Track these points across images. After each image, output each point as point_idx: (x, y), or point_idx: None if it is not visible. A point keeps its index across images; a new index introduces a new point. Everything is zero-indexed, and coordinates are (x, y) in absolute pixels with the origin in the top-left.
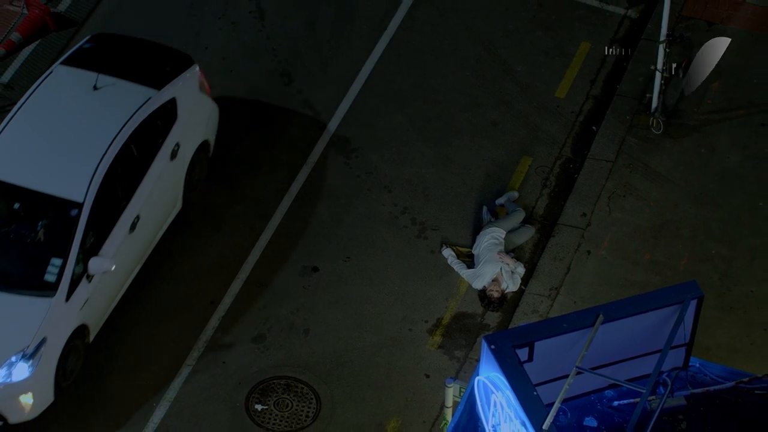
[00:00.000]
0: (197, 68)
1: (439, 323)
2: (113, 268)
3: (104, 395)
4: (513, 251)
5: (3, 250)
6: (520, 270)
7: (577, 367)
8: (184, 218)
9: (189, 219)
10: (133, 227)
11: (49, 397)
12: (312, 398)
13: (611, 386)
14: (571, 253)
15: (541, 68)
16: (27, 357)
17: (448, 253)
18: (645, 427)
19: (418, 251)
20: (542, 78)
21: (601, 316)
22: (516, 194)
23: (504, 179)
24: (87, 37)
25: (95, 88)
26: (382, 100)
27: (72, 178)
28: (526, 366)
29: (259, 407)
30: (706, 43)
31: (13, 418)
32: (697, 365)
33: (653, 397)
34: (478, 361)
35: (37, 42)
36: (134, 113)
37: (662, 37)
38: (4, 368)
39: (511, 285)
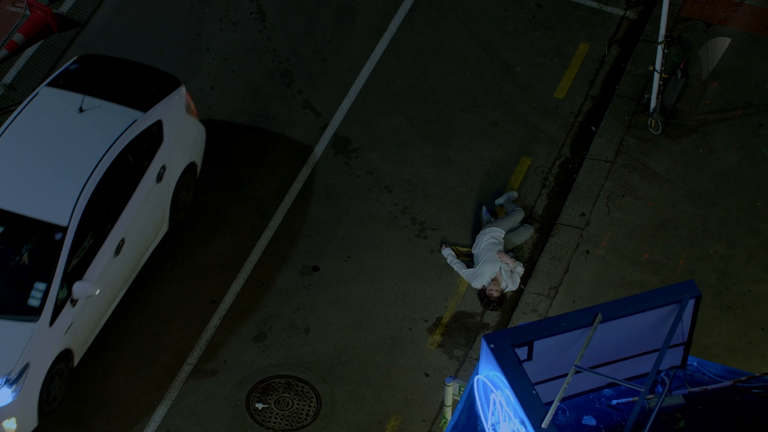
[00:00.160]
0: (184, 90)
1: (438, 322)
2: (97, 292)
3: (106, 394)
4: (512, 251)
5: None
6: (520, 269)
7: (575, 366)
8: (185, 218)
9: (191, 219)
10: (118, 251)
11: (32, 423)
12: (312, 397)
13: (610, 385)
14: (570, 253)
15: (540, 69)
16: (10, 382)
17: (447, 252)
18: (643, 425)
19: (418, 251)
20: (541, 78)
21: (599, 315)
22: (515, 194)
23: (503, 179)
24: (73, 59)
25: (81, 110)
26: (382, 100)
27: (56, 201)
28: (525, 365)
29: (259, 406)
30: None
31: None
32: (695, 364)
33: (651, 395)
34: (477, 360)
35: (39, 43)
36: (119, 136)
37: (660, 38)
38: None
39: (510, 284)
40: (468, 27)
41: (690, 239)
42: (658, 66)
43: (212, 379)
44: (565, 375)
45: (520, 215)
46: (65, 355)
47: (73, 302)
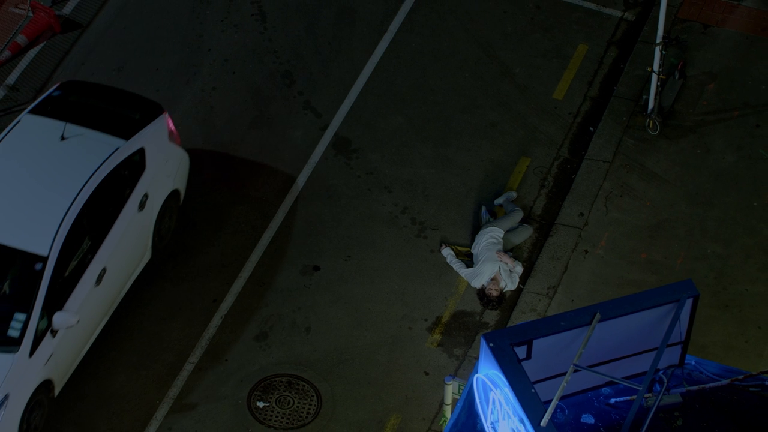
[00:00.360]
0: (166, 117)
1: (438, 321)
2: (77, 322)
3: (108, 392)
4: (511, 250)
5: None
6: (519, 269)
7: (574, 364)
8: (188, 218)
9: (192, 219)
10: (99, 280)
11: None
12: (313, 395)
13: (608, 384)
14: (569, 253)
15: (539, 70)
16: None
17: (447, 252)
18: (641, 423)
19: (418, 250)
20: (540, 80)
21: (598, 314)
22: (514, 194)
23: (502, 179)
24: (55, 85)
25: (62, 138)
26: (382, 101)
27: (36, 231)
28: (524, 364)
29: (261, 404)
30: None
31: None
32: (693, 363)
33: (649, 394)
34: (477, 358)
35: (42, 44)
36: (101, 164)
37: (658, 40)
38: None
39: (509, 284)
40: (467, 28)
41: (688, 239)
42: (655, 67)
43: (214, 378)
44: (564, 374)
45: (519, 215)
46: (45, 385)
47: (54, 332)
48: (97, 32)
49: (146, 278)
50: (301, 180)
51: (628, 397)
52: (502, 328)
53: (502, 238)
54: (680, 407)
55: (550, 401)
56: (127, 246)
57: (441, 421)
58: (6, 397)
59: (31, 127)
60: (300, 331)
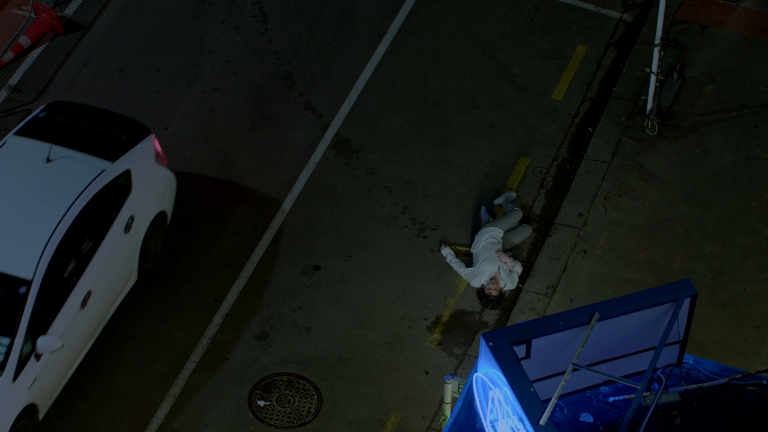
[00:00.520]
0: (153, 138)
1: (438, 321)
2: (62, 346)
3: (110, 391)
4: (511, 250)
5: None
6: (518, 269)
7: (573, 363)
8: (188, 218)
9: (193, 219)
10: (84, 303)
11: None
12: (313, 394)
13: (607, 383)
14: (568, 252)
15: (538, 71)
16: None
17: (447, 252)
18: (640, 422)
19: (418, 250)
20: (539, 80)
21: (596, 313)
22: (514, 194)
23: (502, 179)
24: (42, 106)
25: (48, 159)
26: (382, 102)
27: (21, 254)
28: (524, 363)
29: (261, 403)
30: None
31: None
32: (691, 362)
33: (648, 393)
34: (476, 358)
35: (44, 45)
36: (87, 187)
37: (657, 41)
38: None
39: (508, 283)
40: (467, 29)
41: (686, 239)
42: (654, 68)
43: (215, 377)
44: (563, 373)
45: (518, 215)
46: (30, 410)
47: (38, 357)
48: (99, 33)
49: (147, 278)
50: (302, 180)
51: (627, 396)
52: (502, 328)
53: (502, 238)
54: (678, 406)
55: (549, 400)
56: (113, 269)
57: (440, 420)
58: None
59: (16, 148)
60: (300, 330)
